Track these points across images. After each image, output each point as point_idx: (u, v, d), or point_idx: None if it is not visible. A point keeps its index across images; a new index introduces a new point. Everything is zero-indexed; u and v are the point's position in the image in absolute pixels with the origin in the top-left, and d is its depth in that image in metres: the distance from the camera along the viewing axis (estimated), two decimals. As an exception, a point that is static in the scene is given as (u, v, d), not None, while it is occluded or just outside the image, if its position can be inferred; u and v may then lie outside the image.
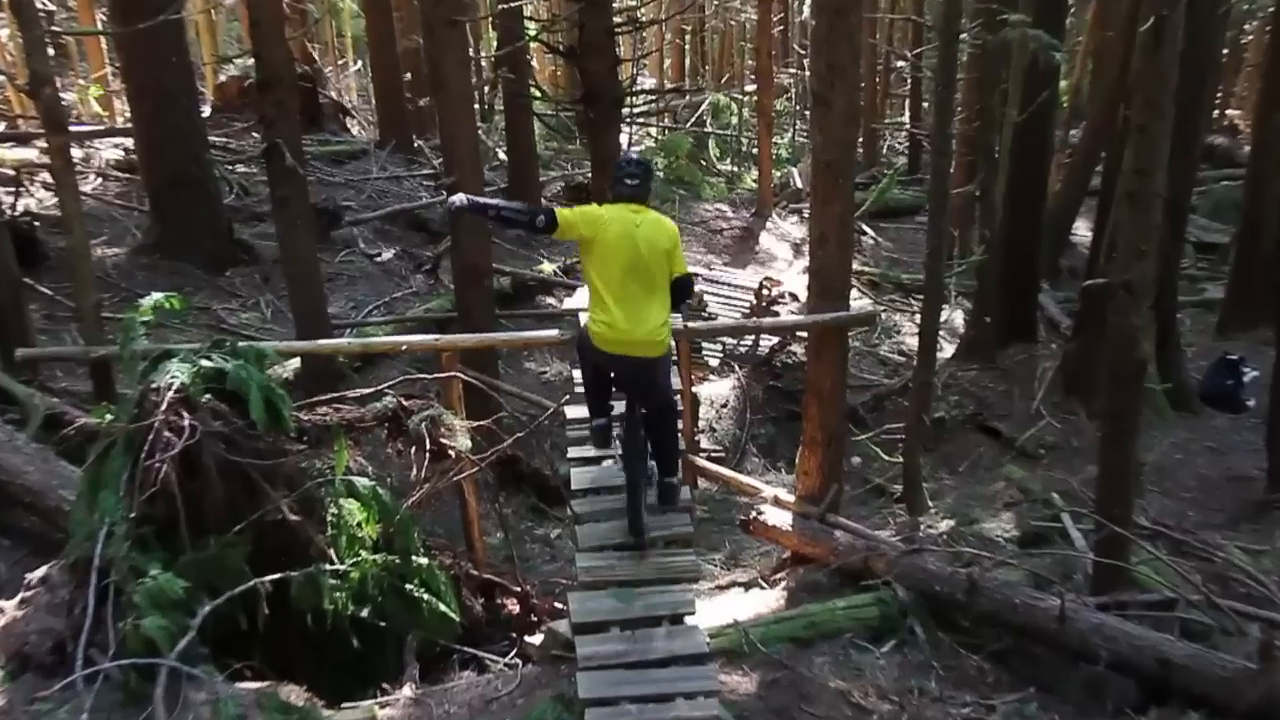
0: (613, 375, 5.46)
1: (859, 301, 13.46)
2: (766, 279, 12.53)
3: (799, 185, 19.30)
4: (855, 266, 13.31)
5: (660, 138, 21.60)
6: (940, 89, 7.69)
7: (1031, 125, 10.55)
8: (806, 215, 15.32)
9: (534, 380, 10.45)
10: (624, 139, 15.68)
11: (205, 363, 4.78)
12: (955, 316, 13.12)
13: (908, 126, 23.23)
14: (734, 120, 23.26)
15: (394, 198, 14.06)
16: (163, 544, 4.47)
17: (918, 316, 9.30)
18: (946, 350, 11.51)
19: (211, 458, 4.53)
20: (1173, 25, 4.95)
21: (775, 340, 11.05)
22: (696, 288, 11.23)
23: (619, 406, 5.67)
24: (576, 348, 5.72)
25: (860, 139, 21.35)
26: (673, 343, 5.56)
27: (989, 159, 10.88)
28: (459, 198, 5.31)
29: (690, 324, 6.93)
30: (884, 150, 25.03)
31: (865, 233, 17.45)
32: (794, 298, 12.62)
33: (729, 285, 13.02)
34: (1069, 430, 9.36)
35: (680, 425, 5.84)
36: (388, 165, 15.25)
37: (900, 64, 23.87)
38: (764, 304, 11.86)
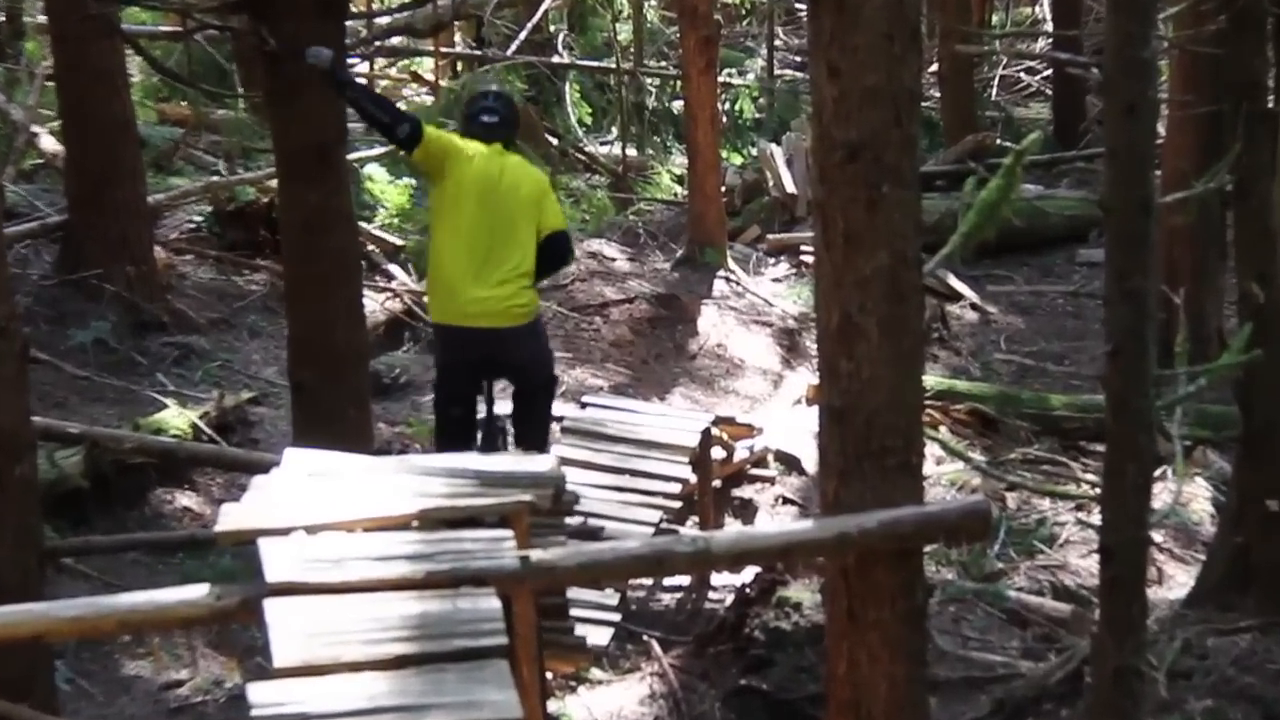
0: (469, 367, 9.91)
1: (943, 471, 13.63)
2: (719, 421, 12.62)
3: (789, 188, 19.67)
4: (930, 382, 13.42)
5: (450, 85, 21.85)
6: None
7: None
8: (809, 260, 15.36)
9: (150, 709, 10.26)
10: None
11: None
12: (1191, 497, 13.24)
13: (1044, 42, 23.85)
14: (620, 37, 23.73)
15: None
16: None
17: (1095, 507, 9.30)
18: (1175, 583, 11.58)
19: None
20: None
21: (747, 579, 11.02)
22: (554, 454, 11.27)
23: None
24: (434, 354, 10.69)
25: (931, 72, 22.00)
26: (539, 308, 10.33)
27: (1251, 113, 11.01)
28: (317, 52, 8.54)
29: (540, 553, 6.71)
30: (989, 101, 25.84)
31: (956, 297, 17.89)
32: (789, 464, 12.68)
33: (630, 443, 12.84)
34: None
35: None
36: None
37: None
38: (713, 484, 11.86)
